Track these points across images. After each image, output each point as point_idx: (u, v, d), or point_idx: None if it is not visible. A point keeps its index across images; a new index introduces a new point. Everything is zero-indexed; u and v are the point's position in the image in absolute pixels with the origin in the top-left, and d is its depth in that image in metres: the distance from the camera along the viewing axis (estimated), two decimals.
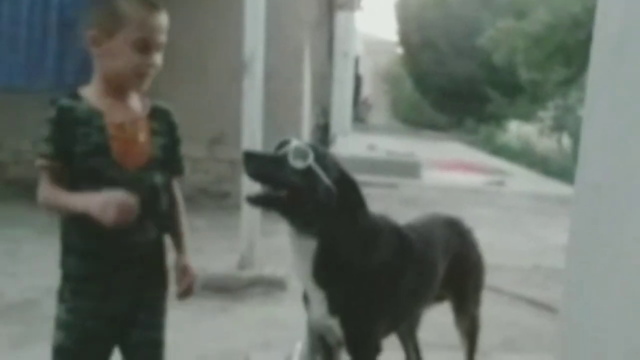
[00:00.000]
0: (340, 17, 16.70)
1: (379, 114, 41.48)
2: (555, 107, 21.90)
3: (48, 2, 6.56)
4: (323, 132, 6.10)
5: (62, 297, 2.25)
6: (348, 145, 15.39)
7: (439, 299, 3.26)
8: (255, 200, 2.47)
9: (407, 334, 3.46)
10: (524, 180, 14.45)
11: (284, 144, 2.49)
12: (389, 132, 27.66)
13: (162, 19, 2.24)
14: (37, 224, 6.73)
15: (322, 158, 2.46)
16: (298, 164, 2.37)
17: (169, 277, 2.42)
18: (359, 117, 31.93)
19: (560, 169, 16.98)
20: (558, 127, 21.86)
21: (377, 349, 2.66)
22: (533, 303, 5.28)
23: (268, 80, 5.43)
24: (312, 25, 7.25)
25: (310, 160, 2.39)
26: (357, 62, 27.73)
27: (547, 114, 22.83)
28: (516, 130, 26.08)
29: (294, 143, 2.43)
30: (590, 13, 16.32)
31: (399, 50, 39.02)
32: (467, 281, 3.26)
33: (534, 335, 4.57)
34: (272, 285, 4.80)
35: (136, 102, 2.32)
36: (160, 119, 2.36)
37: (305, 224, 2.44)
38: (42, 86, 6.78)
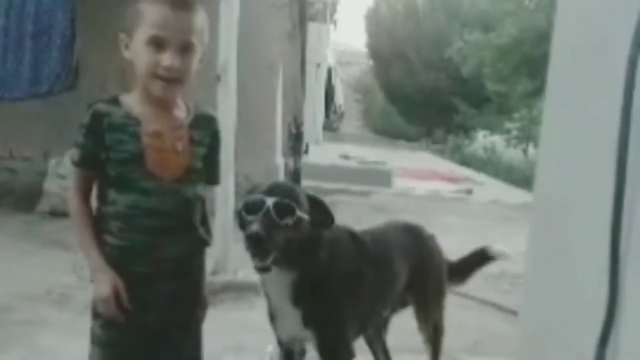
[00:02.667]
0: (313, 28, 16.76)
1: (351, 124, 41.55)
2: (521, 118, 22.12)
3: (23, 11, 6.52)
4: (296, 142, 6.16)
5: (95, 311, 2.16)
6: (320, 154, 15.44)
7: (404, 304, 3.29)
8: (268, 268, 2.24)
9: (375, 339, 3.46)
10: (490, 189, 14.58)
11: (254, 190, 2.36)
12: (361, 141, 27.69)
13: (185, 17, 2.08)
14: (12, 230, 6.78)
15: (296, 196, 2.35)
16: (288, 220, 2.25)
17: (204, 294, 2.33)
18: (331, 126, 31.97)
19: (526, 178, 17.18)
20: (524, 137, 22.09)
21: (350, 354, 2.67)
22: (499, 308, 5.36)
23: (242, 90, 5.49)
24: (285, 36, 7.31)
25: (297, 212, 2.29)
26: (329, 72, 27.77)
27: (513, 125, 23.05)
28: (483, 140, 26.27)
29: (272, 200, 2.24)
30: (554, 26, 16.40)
31: (370, 61, 39.14)
32: (427, 287, 3.25)
33: (500, 339, 4.62)
34: (245, 290, 4.83)
35: (180, 110, 2.22)
36: (202, 127, 2.25)
37: (288, 259, 2.34)
38: (17, 95, 6.73)
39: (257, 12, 7.42)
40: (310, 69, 16.46)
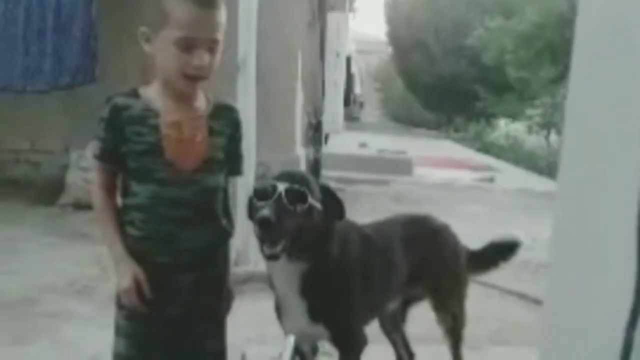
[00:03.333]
0: (333, 17, 16.73)
1: (371, 113, 41.53)
2: (543, 104, 21.92)
3: (44, 4, 6.57)
4: (315, 131, 6.15)
5: (119, 303, 2.17)
6: (340, 144, 15.44)
7: (418, 297, 3.28)
8: (277, 256, 2.24)
9: (394, 330, 3.45)
10: (512, 177, 14.49)
11: (264, 176, 2.40)
12: (381, 130, 27.67)
13: (212, 15, 2.07)
14: (35, 222, 6.83)
15: (308, 184, 2.33)
16: (299, 207, 2.24)
17: (228, 286, 2.33)
18: (351, 115, 31.93)
19: (548, 166, 17.06)
20: (546, 124, 21.90)
21: (363, 341, 2.68)
22: (522, 297, 5.34)
23: (261, 81, 5.49)
24: (305, 26, 7.31)
25: (310, 199, 2.28)
26: (349, 61, 27.71)
27: (535, 112, 22.86)
28: (505, 127, 26.12)
29: (283, 186, 2.24)
30: (577, 12, 16.22)
31: (390, 50, 39.02)
32: (441, 278, 3.21)
33: (523, 328, 4.61)
34: (267, 281, 4.86)
35: (200, 101, 2.21)
36: (222, 118, 2.24)
37: (300, 250, 2.34)
38: (40, 87, 6.79)
39: (276, 3, 7.42)
40: (329, 58, 16.45)
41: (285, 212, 2.19)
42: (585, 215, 1.64)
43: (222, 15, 2.10)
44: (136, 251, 2.12)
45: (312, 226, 2.31)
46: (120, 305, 2.17)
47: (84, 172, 7.48)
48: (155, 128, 2.10)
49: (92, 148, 2.16)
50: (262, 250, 2.24)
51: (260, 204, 2.23)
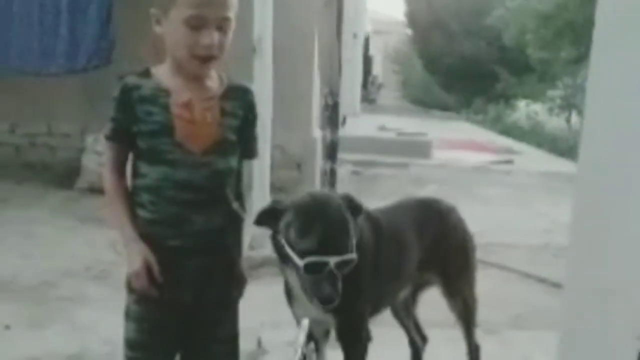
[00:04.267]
0: None
1: (389, 95, 41.33)
2: (565, 86, 21.76)
3: None
4: (332, 113, 6.09)
5: (130, 287, 2.15)
6: (358, 126, 15.38)
7: (427, 282, 3.25)
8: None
9: (405, 316, 3.43)
10: (533, 159, 14.40)
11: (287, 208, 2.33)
12: (399, 112, 27.58)
13: None
14: (52, 206, 6.86)
15: (350, 236, 2.31)
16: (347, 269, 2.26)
17: (241, 270, 2.29)
18: (369, 97, 31.82)
19: (569, 148, 16.92)
20: (567, 106, 21.76)
21: (368, 337, 2.67)
22: (542, 281, 5.30)
23: (277, 62, 5.45)
24: (321, 6, 7.22)
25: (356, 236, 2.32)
26: (366, 42, 27.58)
27: (556, 93, 22.69)
28: (525, 109, 25.91)
29: (334, 260, 2.21)
30: None
31: (408, 31, 38.80)
32: (450, 262, 3.18)
33: (543, 312, 4.60)
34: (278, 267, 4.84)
35: (212, 81, 2.18)
36: (235, 99, 2.21)
37: None
38: (55, 70, 6.80)
39: None
40: (346, 39, 16.35)
41: (337, 280, 2.21)
42: (606, 198, 1.62)
43: None
44: (146, 234, 2.10)
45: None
46: (130, 289, 2.15)
47: (100, 156, 7.47)
48: (166, 107, 2.08)
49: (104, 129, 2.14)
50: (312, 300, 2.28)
51: (311, 277, 2.22)
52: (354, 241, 2.31)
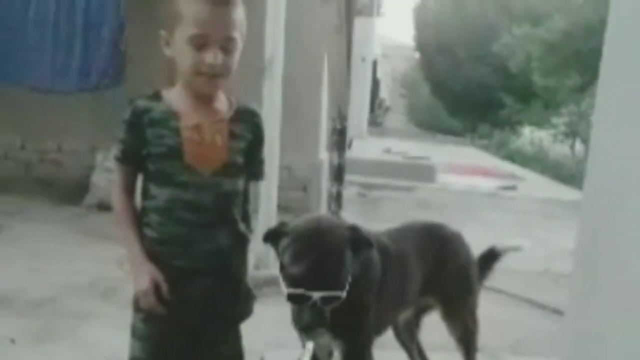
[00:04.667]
0: (359, 22, 16.70)
1: (395, 118, 41.39)
2: (569, 113, 21.81)
3: (74, 5, 6.63)
4: (340, 136, 6.16)
5: (136, 305, 2.16)
6: (364, 149, 15.44)
7: (430, 306, 3.26)
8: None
9: (408, 339, 3.44)
10: (536, 185, 14.42)
11: (289, 237, 2.30)
12: (405, 136, 27.62)
13: (226, 12, 2.06)
14: (60, 222, 6.89)
15: (340, 271, 2.26)
16: (334, 304, 2.23)
17: (246, 290, 2.30)
18: (376, 121, 31.87)
19: (573, 175, 16.98)
20: (571, 133, 21.80)
21: None
22: (542, 306, 5.31)
23: (287, 84, 5.50)
24: (332, 30, 7.30)
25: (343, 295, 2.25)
26: (374, 66, 27.66)
27: (560, 120, 22.74)
28: (529, 135, 25.97)
29: (318, 295, 2.19)
30: (604, 21, 16.15)
31: (416, 55, 38.94)
32: (450, 287, 3.18)
33: (542, 338, 4.58)
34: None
35: (222, 104, 2.21)
36: (244, 121, 2.23)
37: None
38: (67, 87, 6.85)
39: (304, 6, 7.42)
40: (355, 62, 16.44)
41: (321, 314, 2.20)
42: (610, 226, 1.62)
43: (237, 13, 2.09)
44: (153, 253, 2.13)
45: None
46: (137, 308, 2.17)
47: (109, 173, 7.52)
48: (176, 131, 2.10)
49: (114, 149, 2.17)
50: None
51: (294, 306, 2.25)
52: (347, 276, 2.26)
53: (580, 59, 20.41)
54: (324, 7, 8.08)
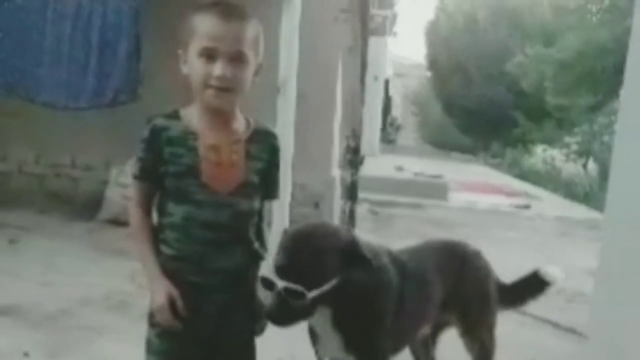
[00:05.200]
0: (372, 40, 16.76)
1: (408, 136, 41.40)
2: (582, 132, 21.79)
3: (90, 22, 6.69)
4: (353, 155, 6.18)
5: (152, 321, 2.20)
6: (376, 167, 15.44)
7: (447, 323, 3.27)
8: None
9: (425, 355, 3.44)
10: (549, 204, 14.36)
11: (285, 238, 2.38)
12: (417, 154, 27.60)
13: (237, 27, 2.10)
14: (73, 237, 6.94)
15: (312, 270, 2.30)
16: (300, 302, 2.24)
17: (260, 306, 2.32)
18: (388, 138, 31.91)
19: (585, 194, 16.94)
20: (584, 152, 21.76)
21: None
22: (556, 325, 5.29)
23: (300, 102, 5.54)
24: (346, 49, 7.33)
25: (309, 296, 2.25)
26: (386, 84, 27.72)
27: (573, 139, 22.72)
28: (542, 154, 25.92)
29: (282, 284, 2.24)
30: (617, 40, 16.24)
31: (428, 73, 39.02)
32: (470, 305, 3.19)
33: (557, 357, 4.58)
34: None
35: (239, 123, 2.25)
36: (261, 142, 2.27)
37: (324, 298, 2.31)
38: (82, 104, 6.90)
39: (318, 26, 7.47)
40: (367, 81, 16.47)
41: (286, 307, 2.23)
42: (634, 245, 1.62)
43: (248, 29, 2.13)
44: (169, 270, 2.16)
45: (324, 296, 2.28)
46: (152, 323, 2.20)
47: (123, 188, 7.57)
48: (194, 150, 2.14)
49: (131, 166, 2.23)
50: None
51: (264, 292, 2.28)
52: (322, 280, 2.27)
53: (593, 78, 20.40)
54: (338, 27, 8.12)
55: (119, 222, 7.43)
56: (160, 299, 2.11)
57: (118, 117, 7.19)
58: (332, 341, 2.50)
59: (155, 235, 2.20)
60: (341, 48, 7.87)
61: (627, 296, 1.64)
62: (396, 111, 38.39)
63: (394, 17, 19.25)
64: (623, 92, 1.72)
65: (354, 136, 5.81)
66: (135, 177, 2.21)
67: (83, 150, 8.56)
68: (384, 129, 29.17)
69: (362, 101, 6.81)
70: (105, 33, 6.67)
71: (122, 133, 7.73)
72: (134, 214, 2.21)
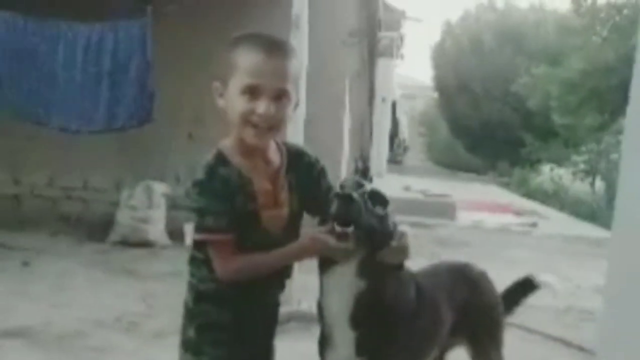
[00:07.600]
0: (380, 63, 16.82)
1: (415, 157, 41.43)
2: (589, 151, 21.77)
3: (102, 47, 6.77)
4: (362, 176, 6.19)
5: (187, 345, 2.22)
6: (384, 187, 15.32)
7: (455, 344, 3.26)
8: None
9: None
10: (556, 223, 14.33)
11: (349, 183, 2.33)
12: (424, 174, 27.56)
13: (280, 64, 2.05)
14: (84, 258, 6.99)
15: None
16: (379, 210, 2.28)
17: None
18: (395, 159, 31.94)
19: (593, 212, 16.91)
20: (591, 171, 21.74)
21: None
22: (565, 343, 5.30)
23: (309, 125, 5.59)
24: (354, 73, 7.39)
25: (389, 208, 2.33)
26: (394, 106, 27.80)
27: (580, 158, 22.68)
28: (549, 173, 25.87)
29: (371, 187, 2.29)
30: (623, 60, 16.28)
31: (435, 95, 39.14)
32: (479, 327, 3.21)
33: None
34: (310, 320, 4.87)
35: (273, 152, 2.22)
36: (297, 168, 2.26)
37: (362, 263, 2.30)
38: (94, 128, 6.97)
39: (326, 50, 7.53)
40: (375, 103, 16.55)
41: (365, 207, 2.21)
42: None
43: (291, 65, 2.09)
44: (226, 294, 2.18)
45: (382, 238, 2.31)
46: (187, 348, 2.23)
47: (134, 211, 7.66)
48: (252, 197, 2.13)
49: (204, 222, 2.10)
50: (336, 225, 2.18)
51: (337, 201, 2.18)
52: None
53: (599, 97, 20.45)
54: (346, 51, 8.19)
55: (129, 243, 7.51)
56: (329, 241, 2.11)
57: (128, 139, 7.26)
58: (345, 341, 2.46)
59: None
60: (349, 72, 7.93)
61: (635, 314, 1.65)
62: (403, 132, 38.43)
63: (401, 39, 19.33)
64: (628, 111, 1.73)
65: (363, 158, 5.83)
66: (221, 230, 2.09)
67: (94, 172, 8.65)
68: (391, 150, 29.21)
69: (370, 123, 6.85)
70: (116, 57, 6.75)
71: (132, 155, 7.83)
72: (235, 264, 2.14)
